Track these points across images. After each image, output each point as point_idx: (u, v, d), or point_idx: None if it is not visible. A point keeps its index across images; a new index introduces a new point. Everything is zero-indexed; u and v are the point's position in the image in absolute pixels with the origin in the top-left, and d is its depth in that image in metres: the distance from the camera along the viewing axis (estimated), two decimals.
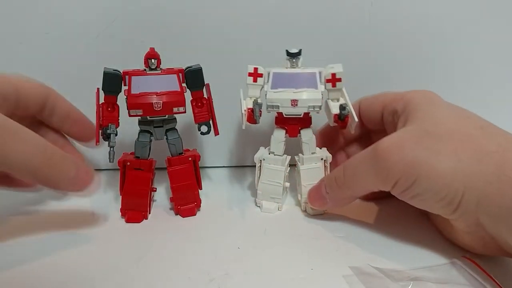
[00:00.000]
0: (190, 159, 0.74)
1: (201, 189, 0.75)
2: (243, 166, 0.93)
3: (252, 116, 0.70)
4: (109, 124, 0.69)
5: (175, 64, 0.73)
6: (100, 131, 0.69)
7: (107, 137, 0.69)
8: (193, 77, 0.71)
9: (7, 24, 0.83)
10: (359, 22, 0.85)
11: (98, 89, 0.70)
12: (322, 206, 0.71)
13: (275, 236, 0.68)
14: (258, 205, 0.77)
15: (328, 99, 0.74)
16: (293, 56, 0.72)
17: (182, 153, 0.74)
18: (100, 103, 0.70)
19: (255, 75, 0.73)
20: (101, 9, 0.83)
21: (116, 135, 0.69)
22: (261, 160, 0.76)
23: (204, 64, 0.73)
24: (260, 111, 0.70)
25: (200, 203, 0.75)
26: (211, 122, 0.74)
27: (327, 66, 0.72)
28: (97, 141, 0.69)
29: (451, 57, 0.88)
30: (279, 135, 0.75)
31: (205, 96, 0.73)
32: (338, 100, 0.73)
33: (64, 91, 0.87)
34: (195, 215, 0.74)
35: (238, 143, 0.93)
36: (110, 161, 0.68)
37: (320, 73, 0.72)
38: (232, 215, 0.75)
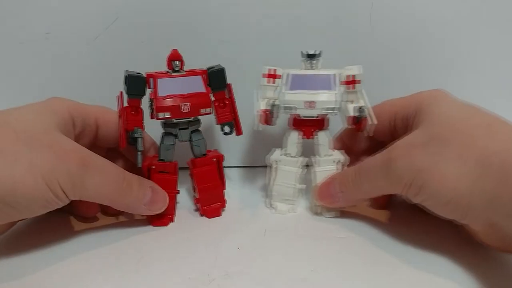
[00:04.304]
0: (214, 159, 0.73)
1: (225, 189, 0.75)
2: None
3: (267, 117, 0.70)
4: (135, 128, 0.67)
5: None
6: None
7: (133, 141, 0.67)
8: (216, 78, 0.71)
9: (7, 24, 0.79)
10: (360, 23, 0.86)
11: (121, 92, 0.69)
12: (331, 203, 0.71)
13: (275, 237, 0.68)
14: (273, 206, 0.76)
15: (345, 101, 0.72)
16: (311, 57, 0.72)
17: (205, 154, 0.74)
18: (123, 106, 0.69)
19: (272, 76, 0.73)
20: (102, 9, 0.80)
21: (142, 138, 0.67)
22: (276, 162, 0.75)
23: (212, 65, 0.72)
24: (277, 113, 0.70)
25: (225, 203, 0.75)
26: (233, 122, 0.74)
27: (345, 67, 0.72)
28: (123, 145, 0.67)
29: (454, 57, 0.90)
30: (294, 136, 0.74)
31: (227, 96, 0.73)
32: (355, 102, 0.72)
33: (64, 91, 0.83)
34: (220, 215, 0.74)
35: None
36: (138, 166, 0.67)
37: (337, 75, 0.71)
38: (232, 215, 0.75)
